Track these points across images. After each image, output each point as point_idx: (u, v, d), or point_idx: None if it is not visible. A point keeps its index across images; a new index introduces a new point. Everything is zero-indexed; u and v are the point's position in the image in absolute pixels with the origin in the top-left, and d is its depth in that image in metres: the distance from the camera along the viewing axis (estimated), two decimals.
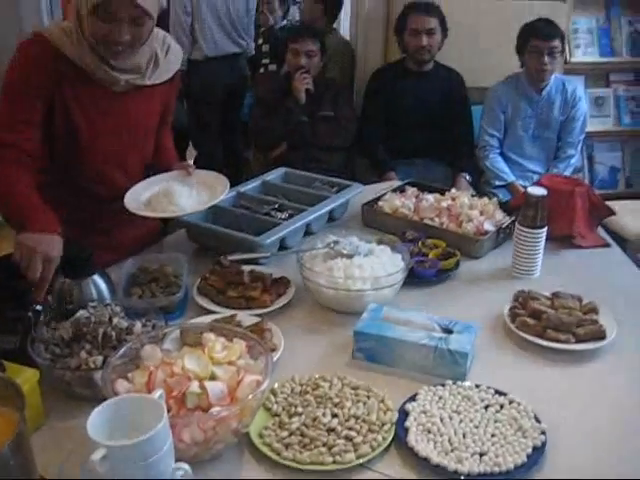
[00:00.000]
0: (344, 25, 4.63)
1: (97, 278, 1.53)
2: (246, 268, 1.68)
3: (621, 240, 3.05)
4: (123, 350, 1.25)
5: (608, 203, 2.14)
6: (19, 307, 1.37)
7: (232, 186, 1.93)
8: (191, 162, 4.18)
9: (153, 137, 1.92)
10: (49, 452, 1.15)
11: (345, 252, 1.65)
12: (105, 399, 1.06)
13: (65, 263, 1.48)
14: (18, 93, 1.65)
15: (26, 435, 0.98)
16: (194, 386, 1.15)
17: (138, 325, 1.39)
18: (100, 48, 1.63)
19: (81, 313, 1.40)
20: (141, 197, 1.80)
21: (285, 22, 4.57)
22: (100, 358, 1.30)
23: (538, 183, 2.01)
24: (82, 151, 1.75)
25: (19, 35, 3.25)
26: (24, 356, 1.28)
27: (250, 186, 2.15)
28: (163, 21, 3.87)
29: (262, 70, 4.39)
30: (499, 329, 1.56)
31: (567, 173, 3.26)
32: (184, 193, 1.78)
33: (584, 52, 3.90)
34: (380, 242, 1.73)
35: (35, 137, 1.66)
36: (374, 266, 1.60)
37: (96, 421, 0.99)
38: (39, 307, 1.40)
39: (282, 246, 1.84)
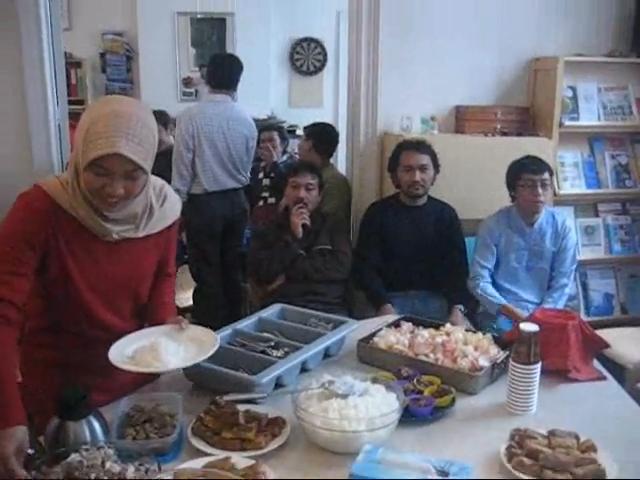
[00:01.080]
0: (340, 160, 4.84)
1: (92, 419, 1.53)
2: (241, 408, 1.68)
3: (619, 368, 3.04)
4: None
5: (605, 330, 2.16)
6: None
7: (231, 318, 1.95)
8: (190, 293, 4.28)
9: (148, 282, 1.94)
10: None
11: (340, 392, 1.66)
12: None
13: (60, 404, 1.49)
14: (10, 244, 1.68)
15: None
16: None
17: (131, 469, 1.38)
18: (95, 200, 1.68)
19: (73, 457, 1.39)
20: (126, 350, 1.78)
21: (285, 157, 4.77)
22: None
23: (531, 318, 2.04)
24: (76, 297, 1.78)
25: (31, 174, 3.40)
26: None
27: (246, 323, 2.17)
28: (167, 156, 4.10)
29: (261, 203, 4.53)
30: (496, 469, 1.53)
31: (561, 302, 3.30)
32: (170, 349, 1.76)
33: (572, 184, 4.04)
34: (375, 381, 1.74)
35: (24, 288, 1.68)
36: (369, 406, 1.60)
37: None
38: (30, 450, 1.39)
39: (278, 384, 1.84)
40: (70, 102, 4.27)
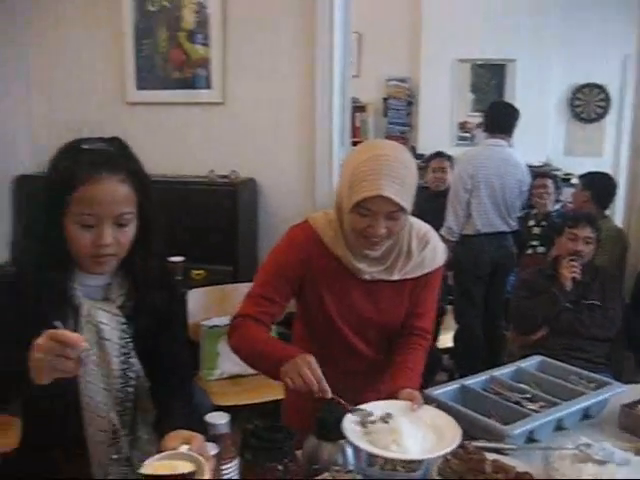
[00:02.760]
0: (617, 214, 4.54)
1: (345, 443, 1.60)
2: (490, 456, 1.65)
3: None
4: None
5: None
6: (273, 458, 1.49)
7: (489, 364, 1.87)
8: (451, 334, 4.28)
9: (398, 325, 1.95)
10: None
11: (597, 457, 1.55)
12: None
13: (319, 423, 1.59)
14: (273, 273, 1.88)
15: None
16: None
17: None
18: (358, 240, 1.78)
19: (324, 476, 1.47)
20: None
21: (558, 206, 4.59)
22: None
23: None
24: (329, 323, 1.89)
25: (313, 209, 3.68)
26: None
27: (504, 371, 2.12)
28: (444, 195, 4.22)
29: (530, 251, 4.42)
30: None
31: None
32: (411, 433, 1.60)
33: None
34: (638, 452, 1.60)
35: (272, 312, 1.86)
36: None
37: None
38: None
39: (530, 438, 1.77)
40: (353, 143, 4.57)
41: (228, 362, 3.31)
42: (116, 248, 1.45)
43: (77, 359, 1.20)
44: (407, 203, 1.71)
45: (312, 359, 1.67)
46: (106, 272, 1.50)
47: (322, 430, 1.59)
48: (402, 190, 1.69)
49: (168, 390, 1.59)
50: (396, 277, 1.88)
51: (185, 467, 1.25)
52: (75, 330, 1.46)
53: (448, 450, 1.56)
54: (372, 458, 1.65)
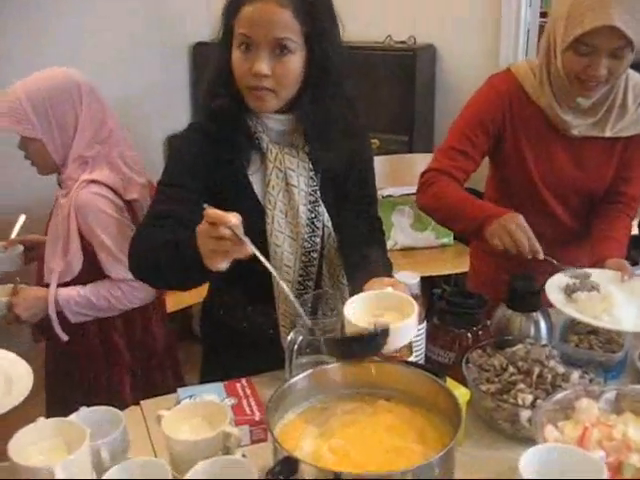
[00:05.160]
0: None
1: (539, 315, 1.49)
2: None
3: None
4: (558, 396, 1.19)
5: None
6: (463, 324, 1.41)
7: None
8: None
9: (603, 189, 1.78)
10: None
11: None
12: (528, 439, 1.01)
13: (512, 293, 1.48)
14: (469, 124, 1.72)
15: (453, 452, 0.98)
16: (635, 458, 1.02)
17: (575, 374, 1.31)
18: (572, 85, 1.59)
19: (519, 347, 1.37)
20: (561, 281, 1.55)
21: None
22: (530, 397, 1.26)
23: None
24: (528, 184, 1.75)
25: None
26: (456, 373, 1.30)
27: None
28: None
29: None
30: None
31: None
32: (624, 304, 1.46)
33: None
34: None
35: (466, 168, 1.71)
36: None
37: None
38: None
39: None
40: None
41: (401, 233, 3.24)
42: (273, 82, 1.34)
43: (233, 237, 1.10)
44: (636, 37, 1.48)
45: (521, 218, 1.54)
46: (266, 109, 1.39)
47: (515, 300, 1.48)
48: (632, 21, 1.46)
49: (360, 239, 1.51)
50: (608, 134, 1.68)
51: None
52: (264, 177, 1.43)
53: None
54: (567, 335, 1.53)
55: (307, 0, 1.33)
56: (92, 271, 1.70)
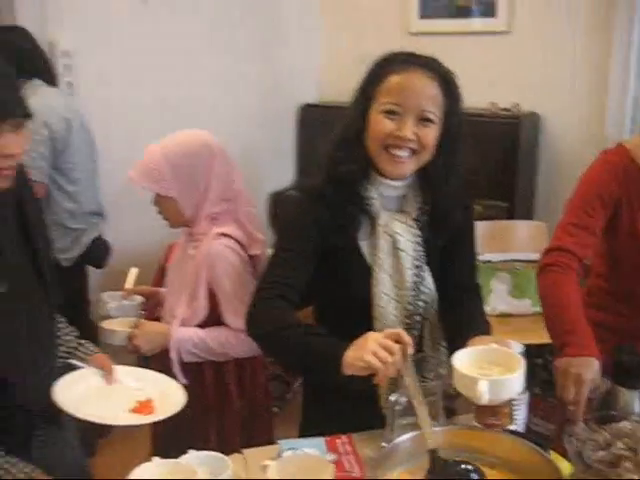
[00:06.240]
0: None
1: None
2: None
3: None
4: None
5: None
6: None
7: None
8: None
9: None
10: None
11: None
12: None
13: (617, 368, 1.46)
14: (583, 197, 1.73)
15: None
16: None
17: None
18: None
19: (624, 424, 1.34)
20: None
21: None
22: (636, 477, 1.22)
23: None
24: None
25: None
26: (556, 446, 1.29)
27: None
28: None
29: None
30: None
31: None
32: None
33: None
34: None
35: (586, 242, 1.69)
36: None
37: None
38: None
39: None
40: None
41: (499, 300, 3.21)
42: (417, 144, 1.44)
43: (399, 355, 1.24)
44: None
45: (592, 371, 1.43)
46: (402, 173, 1.48)
47: (620, 375, 1.46)
48: None
49: (462, 302, 1.57)
50: None
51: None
52: (373, 240, 1.50)
53: None
54: None
55: (445, 73, 1.46)
56: (211, 318, 1.81)
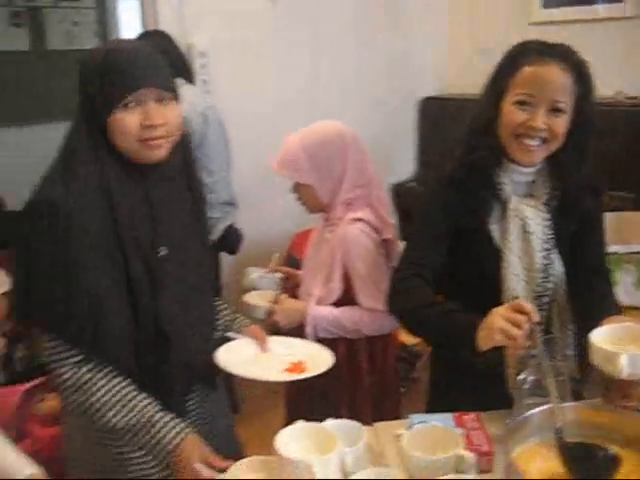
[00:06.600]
0: None
1: None
2: None
3: None
4: None
5: None
6: None
7: None
8: None
9: None
10: None
11: None
12: None
13: None
14: None
15: None
16: None
17: None
18: None
19: None
20: None
21: None
22: None
23: None
24: None
25: None
26: None
27: None
28: None
29: None
30: None
31: None
32: None
33: None
34: None
35: None
36: None
37: None
38: None
39: None
40: None
41: (626, 292, 3.15)
42: (548, 134, 1.50)
43: (525, 331, 1.28)
44: None
45: None
46: (533, 160, 1.55)
47: None
48: None
49: (592, 285, 1.62)
50: None
51: None
52: (503, 224, 1.57)
53: None
54: None
55: (579, 63, 1.50)
56: (345, 298, 1.93)
